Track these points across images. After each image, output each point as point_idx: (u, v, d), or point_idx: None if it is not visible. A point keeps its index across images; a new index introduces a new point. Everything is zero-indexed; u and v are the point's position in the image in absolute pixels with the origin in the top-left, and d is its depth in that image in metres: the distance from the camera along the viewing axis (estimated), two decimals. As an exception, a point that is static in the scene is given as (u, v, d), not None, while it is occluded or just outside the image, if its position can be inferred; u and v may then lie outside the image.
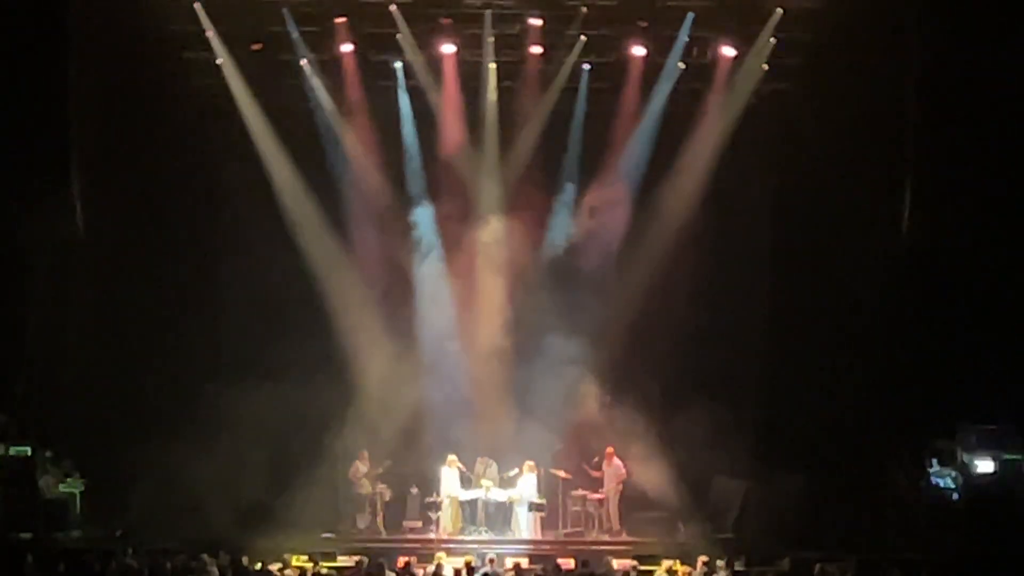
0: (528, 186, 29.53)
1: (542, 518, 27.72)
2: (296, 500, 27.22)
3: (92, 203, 28.15)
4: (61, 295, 28.43)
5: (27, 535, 25.95)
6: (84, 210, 28.02)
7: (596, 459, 28.30)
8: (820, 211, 28.73)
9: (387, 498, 28.00)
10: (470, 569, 21.87)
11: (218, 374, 29.06)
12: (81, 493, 27.38)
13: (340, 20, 28.42)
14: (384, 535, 27.60)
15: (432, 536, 27.03)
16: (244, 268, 29.99)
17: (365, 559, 22.30)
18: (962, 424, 27.20)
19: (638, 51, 28.82)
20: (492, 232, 29.57)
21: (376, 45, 28.94)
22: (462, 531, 27.58)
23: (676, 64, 29.17)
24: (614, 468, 27.96)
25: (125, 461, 27.65)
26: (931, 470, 27.40)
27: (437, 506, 27.36)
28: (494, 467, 28.14)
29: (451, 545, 26.10)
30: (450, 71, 29.25)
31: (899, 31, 27.29)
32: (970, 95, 26.84)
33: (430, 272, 29.92)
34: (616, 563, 22.68)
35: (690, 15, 28.23)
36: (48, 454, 27.31)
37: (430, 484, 27.99)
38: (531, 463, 27.87)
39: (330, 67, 29.19)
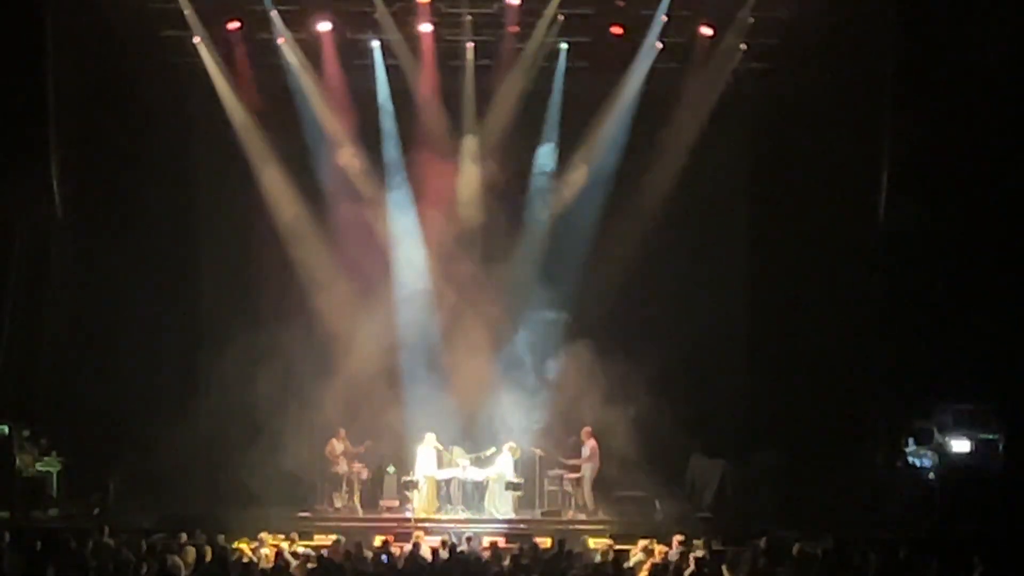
0: (504, 163, 29.52)
1: (518, 497, 27.73)
2: (272, 478, 27.24)
3: (70, 181, 28.21)
4: (39, 273, 28.38)
5: (4, 514, 26.04)
6: (62, 188, 28.03)
7: (572, 439, 28.32)
8: (797, 191, 28.80)
9: (364, 477, 28.02)
10: (448, 548, 21.86)
11: (196, 351, 29.08)
12: (59, 472, 27.35)
13: (318, -1, 28.44)
14: (361, 514, 27.58)
15: (409, 515, 27.06)
16: (221, 245, 30.03)
17: (342, 538, 22.34)
18: (939, 404, 27.33)
19: (616, 30, 28.77)
20: (469, 209, 29.56)
21: (354, 24, 28.87)
22: (439, 510, 27.61)
23: (654, 43, 29.11)
24: (590, 449, 27.99)
25: (103, 440, 27.75)
26: (908, 449, 27.54)
27: (415, 485, 27.37)
28: (462, 451, 28.13)
29: (428, 524, 26.16)
30: (428, 50, 29.19)
31: (877, 12, 27.30)
32: (948, 79, 26.90)
33: (406, 245, 29.85)
34: (593, 542, 22.67)
35: (668, -6, 28.27)
36: (26, 432, 27.25)
37: (407, 463, 27.98)
38: (513, 445, 27.90)
39: (308, 46, 29.10)
